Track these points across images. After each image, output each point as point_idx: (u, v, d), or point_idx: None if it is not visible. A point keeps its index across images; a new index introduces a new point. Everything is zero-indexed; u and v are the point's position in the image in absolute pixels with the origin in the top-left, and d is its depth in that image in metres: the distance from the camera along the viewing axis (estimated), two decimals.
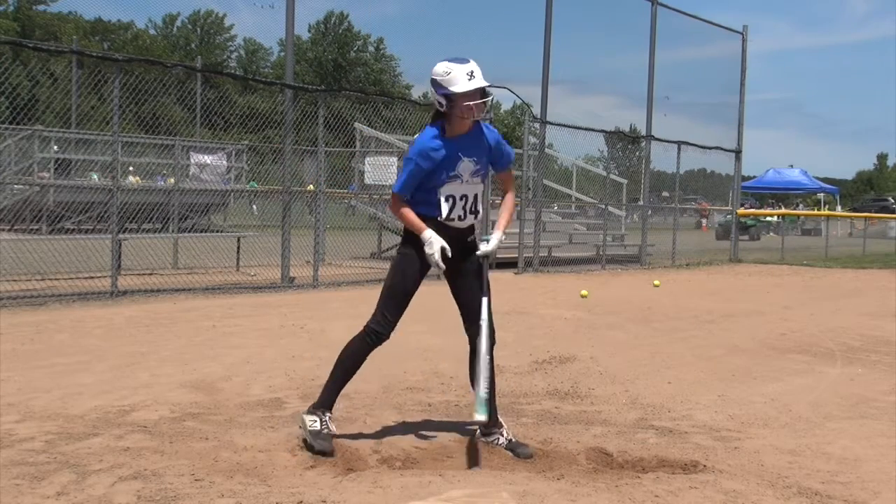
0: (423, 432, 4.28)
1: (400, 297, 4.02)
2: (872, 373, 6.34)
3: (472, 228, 4.17)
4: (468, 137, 4.01)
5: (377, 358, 6.14)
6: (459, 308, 4.17)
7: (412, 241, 4.02)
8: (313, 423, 3.94)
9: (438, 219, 3.99)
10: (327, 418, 3.97)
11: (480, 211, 4.13)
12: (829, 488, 3.64)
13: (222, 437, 4.08)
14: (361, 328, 4.06)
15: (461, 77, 3.80)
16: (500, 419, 4.14)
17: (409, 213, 3.99)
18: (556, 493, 3.44)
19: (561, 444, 4.15)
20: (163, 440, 4.00)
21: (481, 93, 3.88)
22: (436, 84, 3.86)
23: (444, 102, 3.87)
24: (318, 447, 3.84)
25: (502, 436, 4.08)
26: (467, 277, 4.11)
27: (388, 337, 4.04)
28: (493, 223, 4.38)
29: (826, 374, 6.26)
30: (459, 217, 4.04)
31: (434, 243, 3.91)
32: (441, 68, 3.86)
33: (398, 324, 4.03)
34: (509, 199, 4.27)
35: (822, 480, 3.74)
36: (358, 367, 4.09)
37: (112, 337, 6.93)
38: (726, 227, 22.22)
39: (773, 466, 3.91)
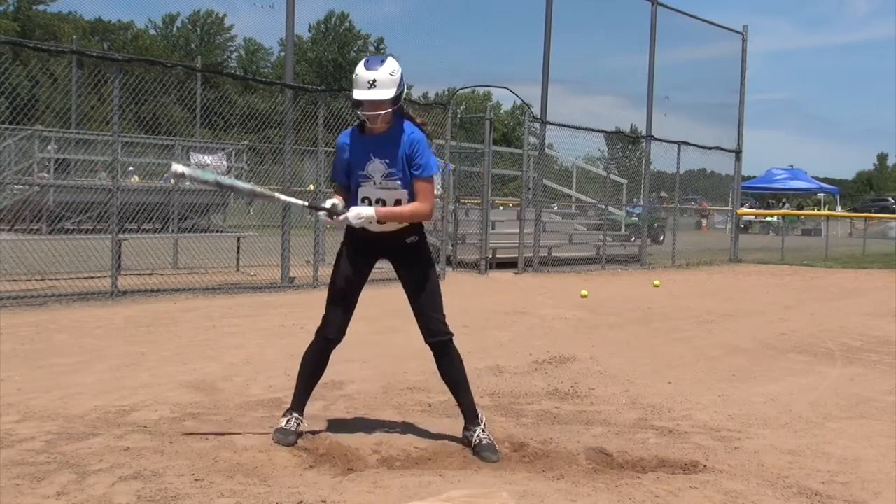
0: (423, 432, 4.29)
1: (336, 296, 4.08)
2: (872, 373, 6.34)
3: (406, 231, 4.01)
4: (384, 138, 3.89)
5: (377, 358, 6.18)
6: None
7: (344, 239, 4.12)
8: (281, 421, 4.10)
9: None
10: (294, 417, 4.09)
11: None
12: (829, 488, 3.64)
13: (222, 437, 4.08)
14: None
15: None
16: (480, 415, 4.09)
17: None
18: (556, 493, 3.44)
19: (561, 444, 4.15)
20: (163, 440, 4.00)
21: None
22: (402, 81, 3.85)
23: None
24: (275, 439, 4.00)
25: (474, 433, 4.00)
26: (414, 290, 4.03)
27: (334, 337, 4.06)
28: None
29: (826, 374, 6.26)
30: None
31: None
32: (395, 64, 3.81)
33: (349, 323, 4.07)
34: (407, 205, 3.90)
35: (822, 480, 3.75)
36: (317, 369, 4.14)
37: (112, 337, 6.93)
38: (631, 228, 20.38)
39: (773, 466, 3.92)
